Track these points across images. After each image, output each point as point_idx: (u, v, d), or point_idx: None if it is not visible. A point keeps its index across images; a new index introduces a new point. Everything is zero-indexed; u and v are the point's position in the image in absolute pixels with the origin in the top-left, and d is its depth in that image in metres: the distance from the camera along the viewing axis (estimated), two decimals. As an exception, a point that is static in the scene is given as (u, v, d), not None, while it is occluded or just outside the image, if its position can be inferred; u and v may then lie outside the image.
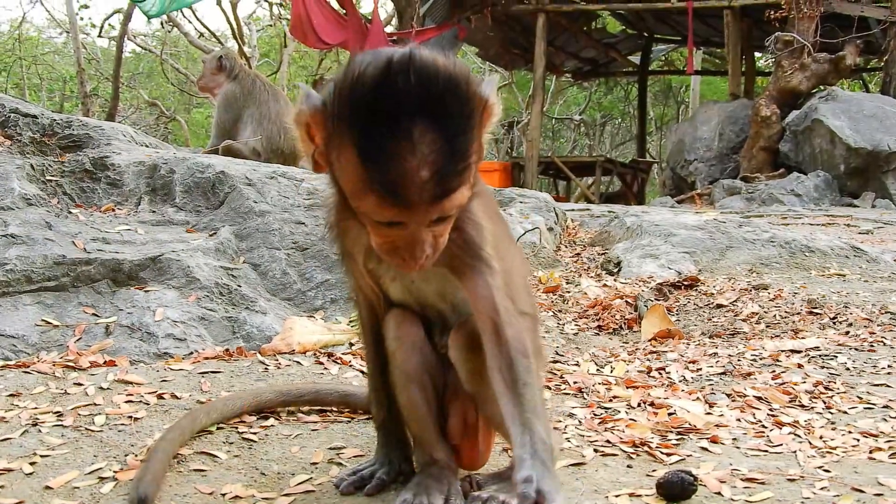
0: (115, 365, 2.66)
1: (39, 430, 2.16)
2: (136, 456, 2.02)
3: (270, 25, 25.66)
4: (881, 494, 1.85)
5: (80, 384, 2.49)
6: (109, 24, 22.86)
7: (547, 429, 1.56)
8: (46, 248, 3.05)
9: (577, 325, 3.92)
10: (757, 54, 18.06)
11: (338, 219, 1.65)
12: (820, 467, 2.03)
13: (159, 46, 26.08)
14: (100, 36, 23.91)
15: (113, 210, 3.57)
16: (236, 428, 2.23)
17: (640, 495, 1.84)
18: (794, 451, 2.14)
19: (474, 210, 1.59)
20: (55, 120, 4.07)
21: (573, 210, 8.00)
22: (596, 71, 20.44)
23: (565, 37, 17.20)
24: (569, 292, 4.54)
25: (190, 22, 23.36)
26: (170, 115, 25.75)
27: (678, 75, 22.90)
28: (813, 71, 12.89)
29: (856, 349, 3.24)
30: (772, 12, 12.89)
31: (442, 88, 1.32)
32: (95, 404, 2.36)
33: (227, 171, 3.73)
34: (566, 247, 6.14)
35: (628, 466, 2.03)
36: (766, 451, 2.16)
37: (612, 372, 2.89)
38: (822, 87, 12.96)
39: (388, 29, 17.05)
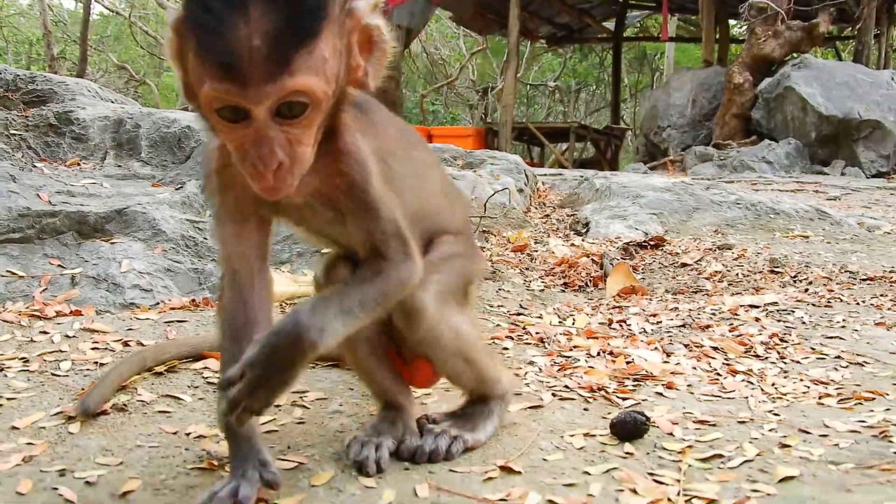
0: (81, 314, 2.69)
1: (5, 375, 2.18)
2: (101, 399, 2.06)
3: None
4: (826, 435, 1.93)
5: (46, 332, 2.52)
6: (75, -16, 22.40)
7: (336, 318, 1.45)
8: (11, 200, 3.04)
9: (543, 282, 3.98)
10: (731, 22, 18.09)
11: (220, 165, 1.52)
12: (770, 411, 2.10)
13: (128, 9, 25.65)
14: (66, -4, 23.42)
15: (78, 164, 3.56)
16: (201, 373, 2.27)
17: (594, 435, 1.91)
18: (746, 397, 2.22)
19: (362, 149, 1.49)
20: (18, 76, 4.04)
21: (545, 175, 8.06)
22: (570, 37, 20.41)
23: (540, 2, 17.12)
24: (536, 251, 4.60)
25: (158, -18, 22.95)
26: (140, 78, 25.38)
27: (652, 42, 22.92)
28: (786, 38, 12.98)
29: (813, 305, 3.34)
30: (746, -21, 12.92)
31: None
32: (61, 351, 2.39)
33: (193, 126, 3.72)
34: (536, 208, 6.20)
35: (584, 409, 2.10)
36: (719, 396, 2.23)
37: (573, 324, 2.96)
38: (794, 55, 13.06)
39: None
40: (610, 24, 19.74)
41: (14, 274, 2.87)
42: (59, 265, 2.95)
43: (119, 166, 3.54)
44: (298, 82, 1.25)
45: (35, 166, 3.41)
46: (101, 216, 3.09)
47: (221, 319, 1.62)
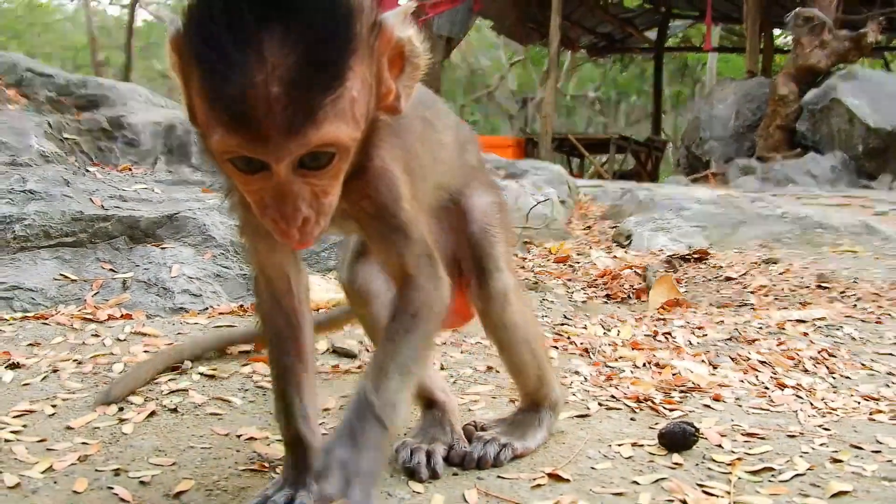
0: (132, 318, 2.74)
1: (59, 377, 2.23)
2: (153, 400, 2.10)
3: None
4: (879, 451, 1.91)
5: (98, 335, 2.57)
6: (120, -7, 22.83)
7: (400, 389, 1.37)
8: (64, 204, 3.11)
9: (585, 293, 3.98)
10: (776, 31, 17.93)
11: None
12: (820, 426, 2.09)
13: (170, 17, 25.99)
14: (111, 4, 23.88)
15: (130, 169, 3.63)
16: (250, 377, 2.30)
17: (642, 445, 1.91)
18: (795, 411, 2.20)
19: (389, 168, 1.34)
20: (70, 80, 4.13)
21: (587, 186, 8.04)
22: (612, 47, 20.35)
23: (581, 11, 17.11)
24: (578, 263, 4.60)
25: (202, -10, 23.26)
26: (183, 86, 25.67)
27: (695, 52, 22.77)
28: (833, 48, 12.79)
29: (862, 321, 3.29)
30: (793, -12, 12.79)
31: None
32: (113, 353, 2.44)
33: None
34: (578, 220, 6.19)
35: (631, 419, 2.10)
36: (768, 410, 2.22)
37: (618, 335, 2.95)
38: (841, 66, 12.87)
39: (402, 1, 16.96)
40: (652, 34, 19.65)
41: (67, 277, 2.93)
42: (111, 269, 3.00)
43: (170, 171, 3.60)
44: (325, 135, 1.09)
45: (88, 171, 3.48)
46: (153, 221, 3.13)
47: (263, 328, 1.57)
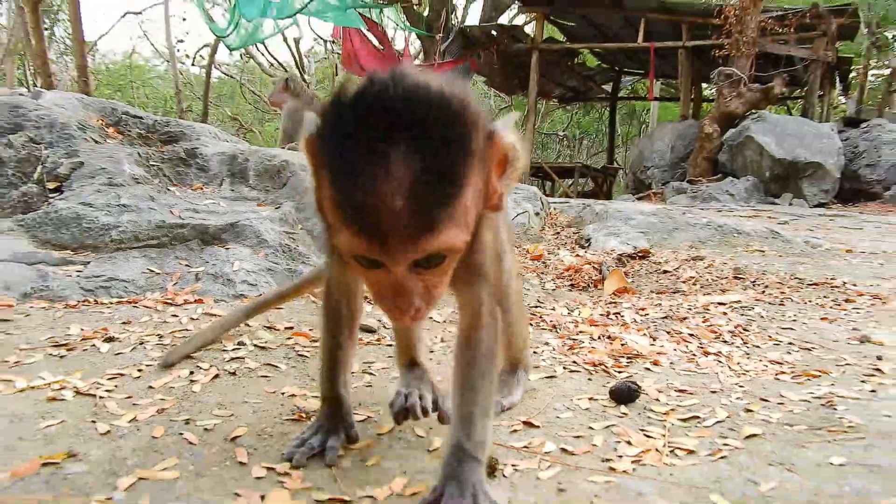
0: (203, 303, 2.72)
1: (145, 348, 2.21)
2: (217, 366, 2.07)
3: (325, 58, 25.57)
4: (783, 403, 1.88)
5: (176, 316, 2.55)
6: (200, 55, 22.88)
7: (485, 426, 1.27)
8: (150, 214, 3.09)
9: (554, 283, 3.94)
10: (703, 85, 17.86)
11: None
12: (736, 384, 2.06)
13: (239, 73, 26.08)
14: (193, 64, 23.92)
15: (201, 189, 3.61)
16: (293, 348, 2.27)
17: (597, 399, 1.88)
18: (717, 373, 2.17)
19: (482, 238, 1.18)
20: (156, 121, 4.11)
21: (556, 202, 7.99)
22: (577, 97, 20.29)
23: (554, 69, 17.06)
24: (549, 260, 4.56)
25: (262, 54, 23.31)
26: (247, 127, 25.77)
27: (641, 101, 22.70)
28: (747, 98, 12.74)
29: (769, 303, 3.26)
30: (716, 51, 12.75)
31: (426, 105, 0.92)
32: (187, 330, 2.41)
33: (289, 160, 3.75)
34: (549, 228, 6.14)
35: (589, 380, 2.07)
36: (695, 372, 2.18)
37: (579, 315, 2.92)
38: (754, 112, 12.82)
39: (416, 62, 16.97)
40: (608, 87, 19.62)
41: (152, 271, 2.91)
42: (187, 265, 2.98)
43: (232, 190, 3.57)
44: (441, 243, 0.95)
45: (169, 189, 3.45)
46: (219, 228, 3.11)
47: (327, 313, 1.48)
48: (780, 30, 12.66)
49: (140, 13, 28.37)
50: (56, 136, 3.50)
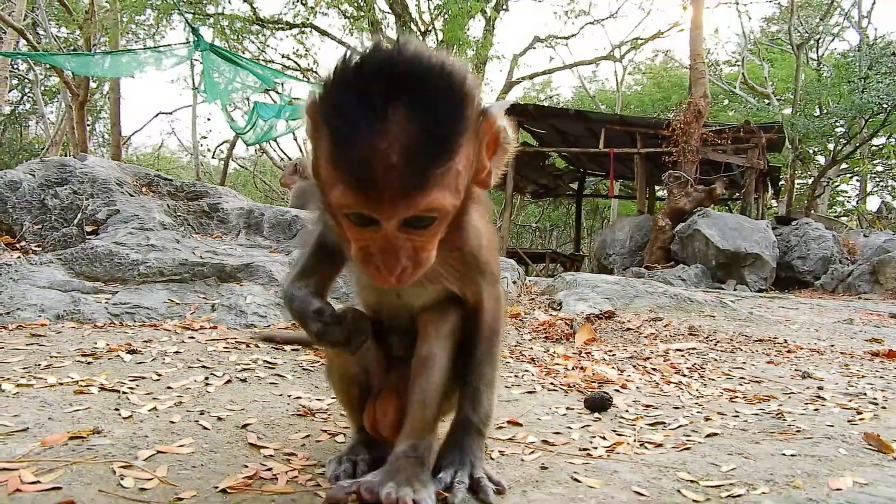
0: (216, 329, 2.69)
1: (164, 359, 2.17)
2: (229, 373, 2.04)
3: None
4: (738, 416, 1.88)
5: (193, 338, 2.51)
6: (220, 149, 23.36)
7: (490, 400, 1.22)
8: (175, 254, 3.09)
9: (531, 335, 3.93)
10: (656, 186, 18.43)
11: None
12: (696, 403, 2.05)
13: (252, 166, 26.55)
14: (213, 157, 24.39)
15: (220, 237, 3.63)
16: (300, 363, 2.25)
17: (573, 409, 1.87)
18: (678, 395, 2.16)
19: (477, 224, 1.13)
20: (183, 182, 4.17)
21: (530, 279, 8.07)
22: (547, 192, 20.76)
23: (527, 168, 17.54)
24: (525, 318, 4.56)
25: (274, 150, 23.86)
26: (257, 211, 25.92)
27: (603, 198, 23.31)
28: (694, 197, 13.13)
29: (722, 351, 3.27)
30: (666, 157, 13.26)
31: (427, 71, 0.87)
32: (204, 348, 2.38)
33: (298, 215, 3.80)
34: (524, 295, 6.17)
35: (565, 395, 2.06)
36: (659, 394, 2.18)
37: (554, 353, 2.91)
38: (700, 208, 13.19)
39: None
40: (574, 185, 20.17)
41: (173, 301, 2.89)
42: (204, 298, 2.96)
43: (248, 239, 3.60)
44: (432, 201, 0.89)
45: (192, 236, 3.47)
46: (235, 267, 3.11)
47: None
48: (720, 141, 13.24)
49: (171, 113, 29.13)
50: (97, 189, 3.54)
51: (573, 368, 2.51)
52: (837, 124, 17.39)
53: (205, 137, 23.51)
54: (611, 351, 3.03)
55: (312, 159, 0.98)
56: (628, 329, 4.24)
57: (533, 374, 2.36)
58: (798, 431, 1.67)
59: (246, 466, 1.31)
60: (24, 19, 15.08)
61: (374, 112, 0.84)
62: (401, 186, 0.86)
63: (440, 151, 0.88)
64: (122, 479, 1.18)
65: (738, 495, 1.19)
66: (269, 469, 1.29)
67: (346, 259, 1.19)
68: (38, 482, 1.15)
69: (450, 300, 1.21)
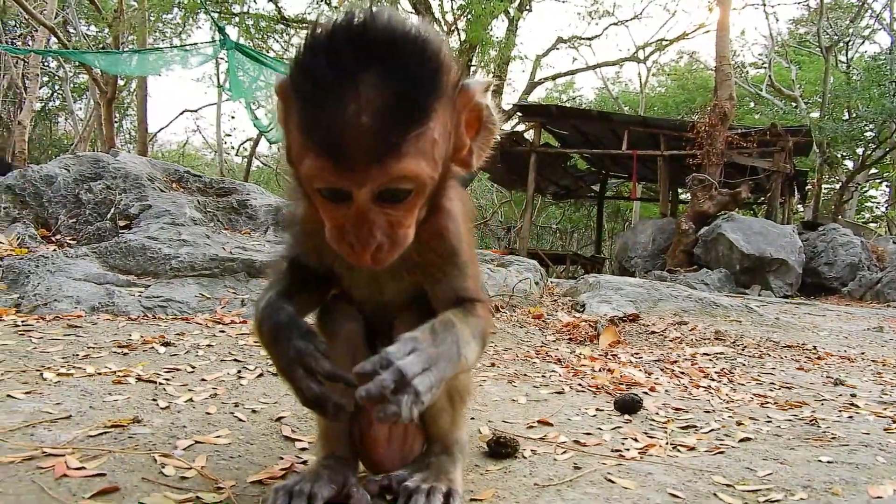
0: (246, 322, 2.72)
1: (198, 352, 2.21)
2: (262, 367, 2.07)
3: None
4: (770, 421, 1.86)
5: (224, 332, 2.55)
6: (243, 147, 23.60)
7: (473, 345, 0.99)
8: (206, 249, 3.13)
9: (554, 336, 3.92)
10: (680, 189, 18.26)
11: (307, 216, 1.03)
12: (726, 408, 2.03)
13: (275, 164, 26.82)
14: (237, 155, 24.66)
15: (249, 233, 3.67)
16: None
17: (602, 410, 1.86)
18: (708, 399, 2.15)
19: (455, 206, 1.05)
20: (212, 179, 4.23)
21: (552, 280, 8.04)
22: (569, 194, 20.69)
23: (549, 170, 17.49)
24: (549, 319, 4.55)
25: (297, 148, 23.99)
26: (278, 208, 26.14)
27: (625, 200, 23.14)
28: (718, 201, 12.98)
29: (750, 356, 3.24)
30: (690, 160, 13.12)
31: (400, 36, 0.83)
32: (234, 341, 2.41)
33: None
34: (547, 296, 6.16)
35: (594, 396, 2.05)
36: (689, 398, 2.16)
37: (580, 354, 2.91)
38: (724, 212, 13.04)
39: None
40: (596, 187, 20.06)
41: (204, 296, 2.93)
42: (234, 292, 3.00)
43: (276, 235, 3.64)
44: (405, 168, 0.83)
45: (222, 231, 3.51)
46: (263, 262, 3.15)
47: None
48: (745, 144, 13.06)
49: (196, 111, 29.50)
50: (129, 185, 3.60)
51: (600, 370, 2.50)
52: (867, 128, 17.08)
53: (229, 135, 23.72)
54: (637, 354, 3.01)
55: (285, 143, 0.92)
56: (653, 332, 4.21)
57: (560, 375, 2.36)
58: (833, 438, 1.64)
59: (282, 458, 1.33)
60: (55, 17, 15.42)
61: (345, 77, 0.80)
62: (372, 150, 0.80)
63: (412, 114, 0.82)
64: (163, 467, 1.21)
65: (776, 500, 1.18)
66: (304, 462, 1.31)
67: (326, 285, 1.11)
68: (84, 468, 1.18)
69: (429, 310, 1.05)
